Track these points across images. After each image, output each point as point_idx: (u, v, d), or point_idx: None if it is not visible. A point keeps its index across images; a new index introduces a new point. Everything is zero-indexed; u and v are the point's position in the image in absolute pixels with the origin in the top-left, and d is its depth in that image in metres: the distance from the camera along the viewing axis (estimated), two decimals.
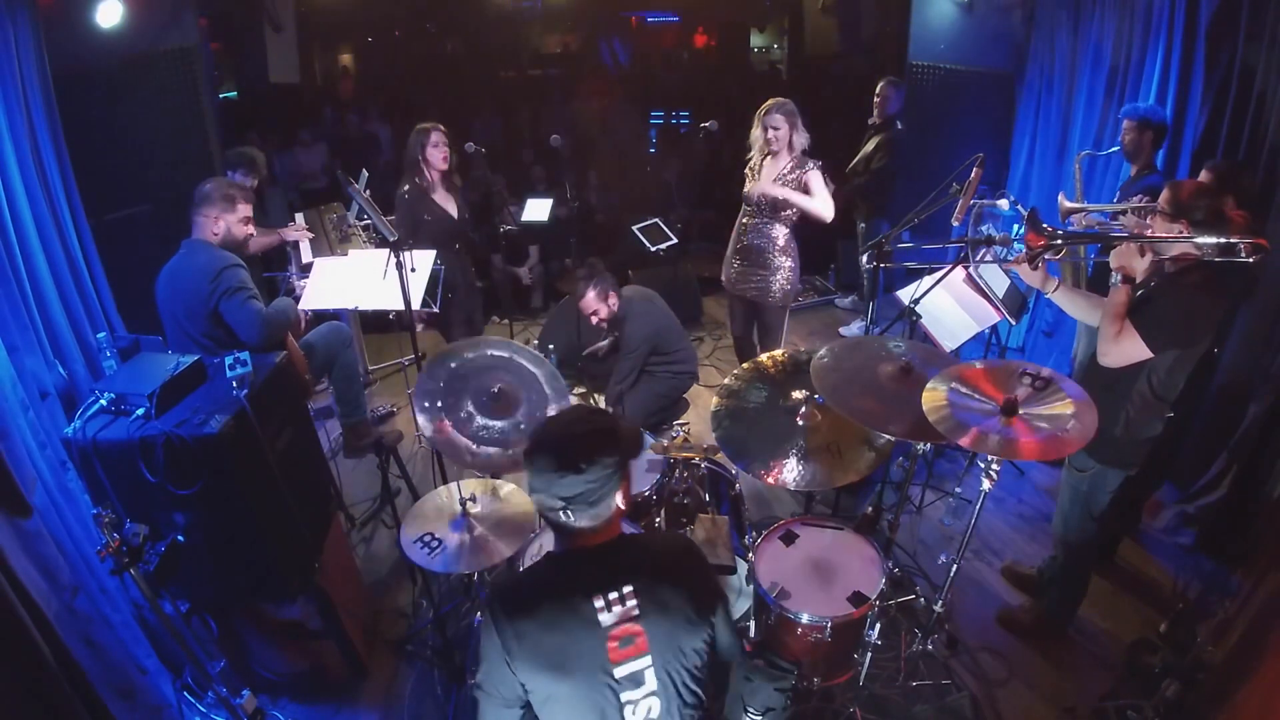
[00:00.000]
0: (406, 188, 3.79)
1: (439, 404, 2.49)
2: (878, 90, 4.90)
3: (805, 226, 3.64)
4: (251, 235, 2.97)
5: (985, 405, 2.03)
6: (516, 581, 1.58)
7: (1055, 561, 2.81)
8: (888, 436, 2.33)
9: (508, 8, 7.50)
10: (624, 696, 1.41)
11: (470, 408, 2.54)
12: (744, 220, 3.72)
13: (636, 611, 1.39)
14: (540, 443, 1.39)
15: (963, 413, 2.01)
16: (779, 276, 3.67)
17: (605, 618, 1.39)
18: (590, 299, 3.37)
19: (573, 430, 1.41)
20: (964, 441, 1.94)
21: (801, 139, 3.47)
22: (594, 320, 3.47)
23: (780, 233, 3.62)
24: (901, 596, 2.88)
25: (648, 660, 1.41)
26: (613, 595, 1.39)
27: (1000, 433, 1.94)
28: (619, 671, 1.40)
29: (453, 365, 2.56)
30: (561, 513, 1.36)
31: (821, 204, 3.45)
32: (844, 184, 5.01)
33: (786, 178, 3.49)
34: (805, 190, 3.46)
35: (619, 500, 1.41)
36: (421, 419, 2.49)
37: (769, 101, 3.51)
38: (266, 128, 6.48)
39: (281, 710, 2.61)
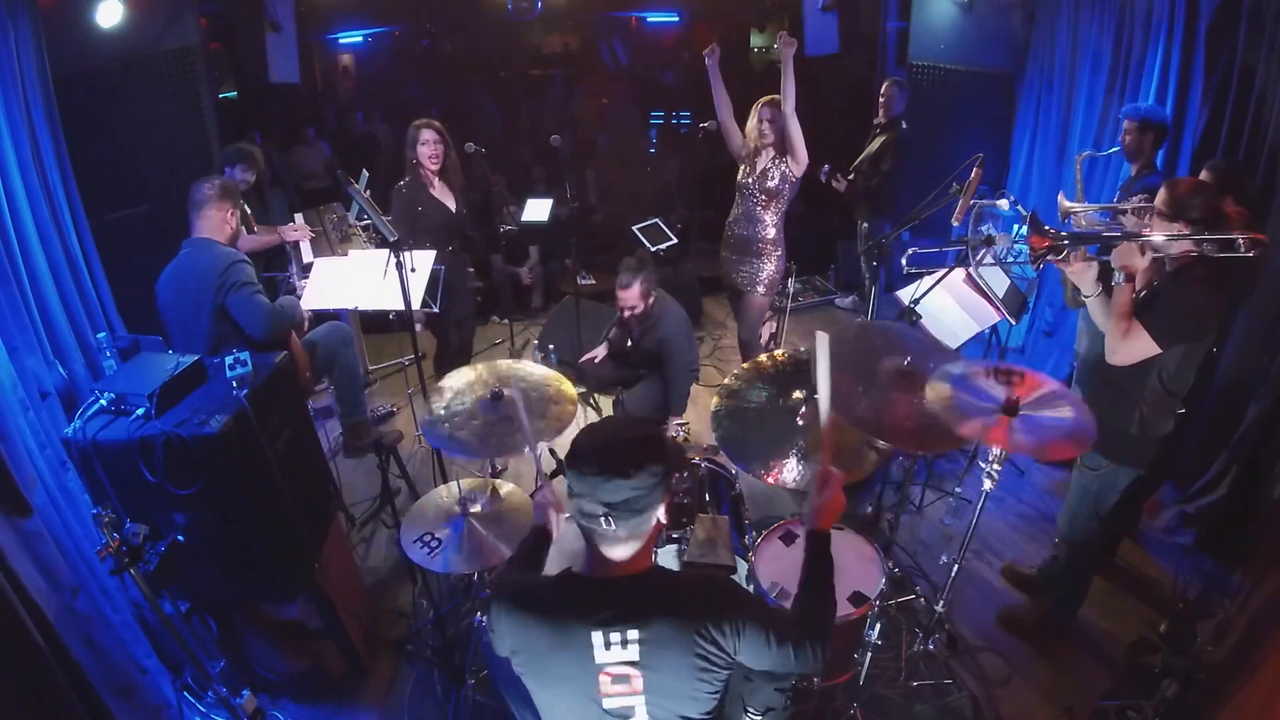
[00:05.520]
0: (404, 181, 3.81)
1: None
2: (883, 90, 4.90)
3: (804, 226, 3.66)
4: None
5: (987, 403, 2.03)
6: (527, 586, 1.49)
7: (1057, 561, 2.81)
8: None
9: (508, 8, 7.50)
10: None
11: (483, 414, 2.47)
12: (735, 210, 3.82)
13: (636, 658, 1.34)
14: (586, 447, 1.33)
15: (965, 404, 2.01)
16: (765, 267, 3.76)
17: (601, 654, 1.34)
18: (634, 292, 3.32)
19: (620, 435, 1.36)
20: (964, 430, 1.94)
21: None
22: (626, 314, 3.42)
23: (769, 223, 3.69)
24: (901, 596, 2.88)
25: (640, 700, 1.38)
26: (615, 636, 1.33)
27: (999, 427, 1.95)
28: (607, 704, 1.38)
29: (442, 413, 2.46)
30: (602, 519, 1.29)
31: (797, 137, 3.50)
32: (854, 183, 5.02)
33: (772, 162, 3.61)
34: (786, 135, 3.51)
35: (661, 513, 1.36)
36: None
37: (766, 96, 3.60)
38: (266, 128, 6.48)
39: (281, 710, 2.61)
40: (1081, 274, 2.24)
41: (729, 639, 1.35)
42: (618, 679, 1.36)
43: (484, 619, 1.48)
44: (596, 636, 1.33)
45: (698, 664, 1.35)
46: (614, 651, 1.33)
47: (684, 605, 1.36)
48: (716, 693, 1.42)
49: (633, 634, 1.33)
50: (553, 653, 1.36)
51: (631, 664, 1.34)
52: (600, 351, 3.80)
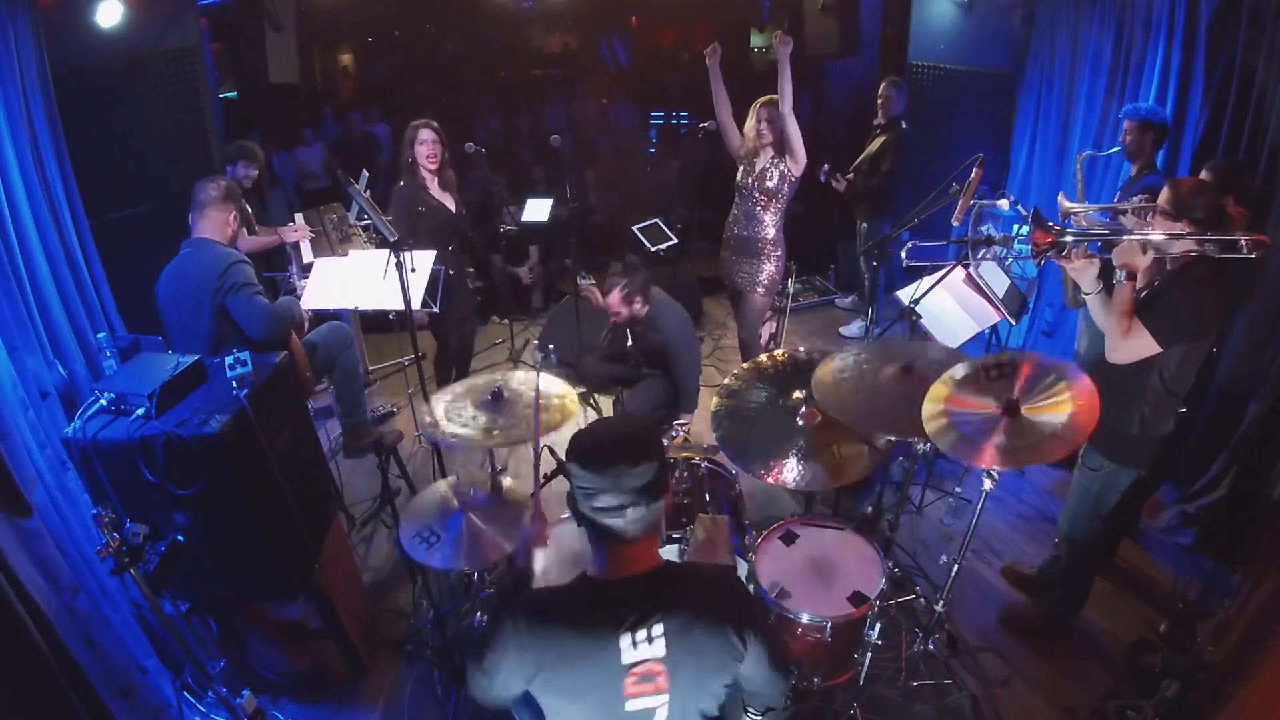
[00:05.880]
0: (402, 182, 3.81)
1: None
2: (880, 91, 4.90)
3: (804, 226, 3.67)
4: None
5: (987, 414, 2.03)
6: (546, 602, 1.45)
7: (1058, 561, 2.81)
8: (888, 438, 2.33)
9: (508, 8, 7.50)
10: None
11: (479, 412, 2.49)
12: (735, 211, 3.82)
13: (663, 652, 1.34)
14: (602, 445, 1.36)
15: (968, 427, 2.01)
16: (765, 267, 3.77)
17: (629, 654, 1.34)
18: (613, 299, 3.30)
19: (624, 429, 1.47)
20: (982, 462, 1.96)
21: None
22: (612, 320, 3.42)
23: (769, 223, 3.70)
24: (902, 596, 2.88)
25: (664, 699, 1.38)
26: (641, 634, 1.33)
27: (1010, 436, 1.96)
28: (630, 705, 1.37)
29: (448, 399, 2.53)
30: (630, 509, 1.31)
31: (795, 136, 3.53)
32: (853, 183, 5.02)
33: (771, 162, 3.62)
34: (784, 135, 3.54)
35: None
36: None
37: (765, 97, 3.61)
38: (266, 128, 6.49)
39: (281, 710, 2.61)
40: (1082, 271, 2.25)
41: (745, 638, 1.40)
42: (644, 678, 1.36)
43: (479, 657, 1.44)
44: (624, 638, 1.33)
45: (720, 652, 1.38)
46: (641, 649, 1.34)
47: (704, 593, 1.41)
48: (730, 686, 1.44)
49: (658, 629, 1.34)
50: (578, 662, 1.35)
51: (659, 660, 1.35)
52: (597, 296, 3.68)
